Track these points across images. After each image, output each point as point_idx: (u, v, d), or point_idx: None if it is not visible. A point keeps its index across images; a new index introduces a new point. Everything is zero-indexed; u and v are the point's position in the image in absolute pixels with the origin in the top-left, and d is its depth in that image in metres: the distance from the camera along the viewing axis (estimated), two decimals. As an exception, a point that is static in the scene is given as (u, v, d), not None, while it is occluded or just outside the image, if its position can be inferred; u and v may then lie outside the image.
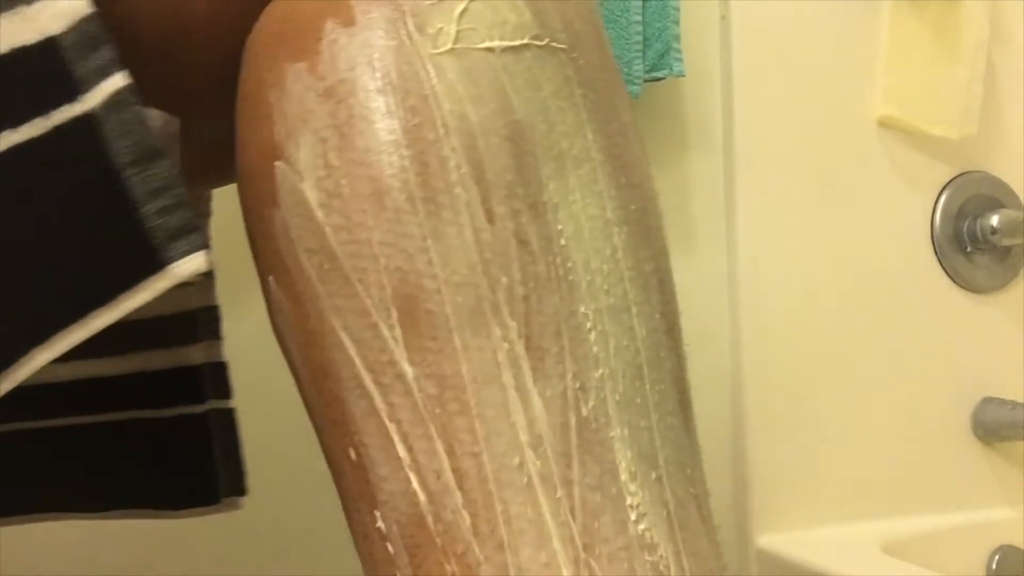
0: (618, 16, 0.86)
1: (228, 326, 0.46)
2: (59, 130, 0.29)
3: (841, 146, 0.98)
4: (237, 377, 0.46)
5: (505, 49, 0.29)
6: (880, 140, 1.00)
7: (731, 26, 0.95)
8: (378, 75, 0.28)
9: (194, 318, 0.44)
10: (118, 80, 0.29)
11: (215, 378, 0.45)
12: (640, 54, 0.87)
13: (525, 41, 0.29)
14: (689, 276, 0.95)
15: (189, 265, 0.29)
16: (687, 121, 0.97)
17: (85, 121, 0.29)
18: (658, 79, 0.89)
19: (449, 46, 0.28)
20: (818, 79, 0.97)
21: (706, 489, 0.30)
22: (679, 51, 0.89)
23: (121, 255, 0.29)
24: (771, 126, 0.96)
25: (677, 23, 0.89)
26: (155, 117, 0.32)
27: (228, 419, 0.45)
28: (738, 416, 0.95)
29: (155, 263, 0.29)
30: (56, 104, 0.29)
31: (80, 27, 0.29)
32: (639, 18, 0.87)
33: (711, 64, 0.97)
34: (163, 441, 0.44)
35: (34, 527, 0.46)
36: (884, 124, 0.99)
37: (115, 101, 0.29)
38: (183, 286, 0.42)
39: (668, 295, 0.31)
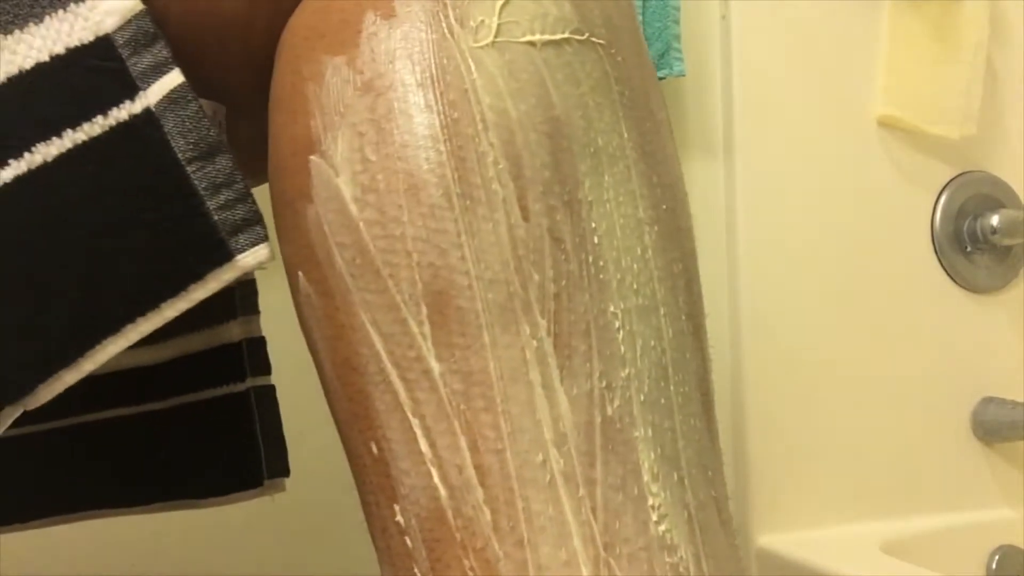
0: (618, 16, 0.86)
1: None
2: (119, 127, 0.29)
3: (841, 146, 0.98)
4: None
5: (546, 43, 0.28)
6: (880, 140, 1.00)
7: (731, 26, 0.95)
8: (418, 69, 0.28)
9: (232, 293, 0.44)
10: (175, 76, 0.29)
11: (254, 354, 0.45)
12: (640, 54, 0.87)
13: (566, 35, 0.29)
14: (689, 276, 0.95)
15: (254, 256, 0.30)
16: (687, 121, 0.97)
17: (145, 118, 0.29)
18: (658, 79, 0.89)
19: (490, 39, 0.28)
20: (818, 79, 0.97)
21: (726, 492, 0.30)
22: (679, 51, 0.89)
23: (189, 248, 0.30)
24: (771, 126, 0.96)
25: (677, 23, 0.89)
26: (206, 106, 0.33)
27: (269, 396, 0.45)
28: (738, 416, 0.95)
29: (222, 255, 0.30)
30: (115, 102, 0.29)
31: (133, 24, 0.29)
32: (639, 18, 0.87)
33: (711, 64, 0.97)
34: (205, 425, 0.44)
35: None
36: (884, 124, 0.99)
37: (174, 98, 0.29)
38: None
39: (695, 296, 0.31)
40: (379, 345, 0.27)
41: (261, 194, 0.31)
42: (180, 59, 0.30)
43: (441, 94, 0.27)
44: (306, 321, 0.30)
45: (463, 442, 0.26)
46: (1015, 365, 1.03)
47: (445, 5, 0.28)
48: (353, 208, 0.28)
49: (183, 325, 0.41)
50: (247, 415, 0.44)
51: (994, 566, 0.98)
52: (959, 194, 1.02)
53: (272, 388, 0.45)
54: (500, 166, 0.27)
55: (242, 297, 0.44)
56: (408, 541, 0.27)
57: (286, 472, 0.45)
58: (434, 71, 0.28)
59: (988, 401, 1.02)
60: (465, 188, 0.27)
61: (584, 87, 0.29)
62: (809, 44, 0.97)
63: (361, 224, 0.27)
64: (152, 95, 0.29)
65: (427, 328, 0.27)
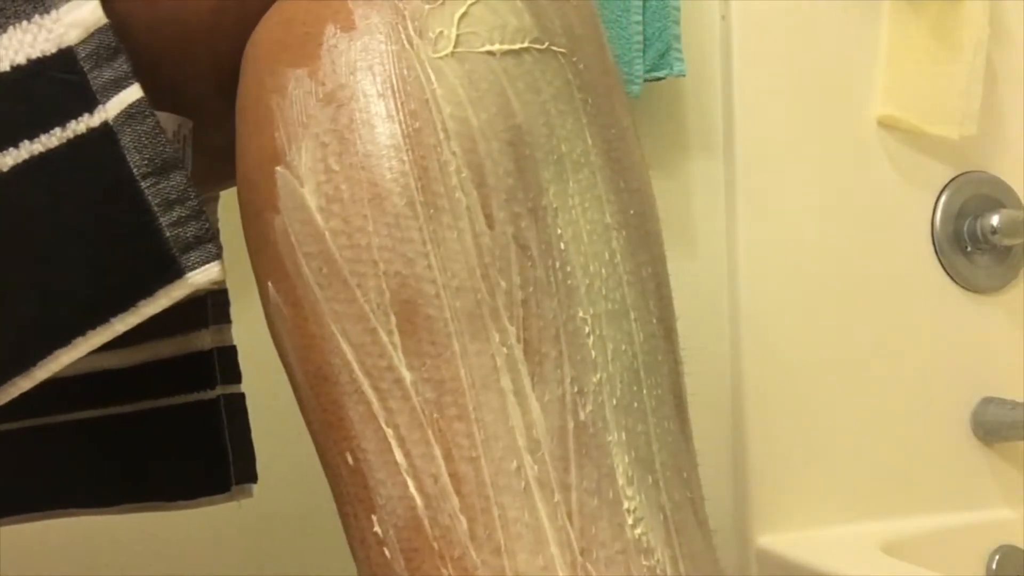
0: (618, 16, 0.86)
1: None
2: (77, 140, 0.29)
3: (841, 146, 0.98)
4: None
5: (505, 53, 0.28)
6: (880, 140, 1.00)
7: (731, 26, 0.95)
8: (378, 80, 0.28)
9: (205, 302, 0.44)
10: (134, 91, 0.30)
11: (225, 363, 0.45)
12: (640, 54, 0.87)
13: (525, 45, 0.29)
14: (689, 276, 0.95)
15: (206, 274, 0.30)
16: (687, 121, 0.97)
17: (103, 132, 0.29)
18: (658, 79, 0.89)
19: (449, 50, 0.28)
20: (818, 79, 0.97)
21: (702, 493, 0.30)
22: (679, 51, 0.89)
23: (140, 264, 0.30)
24: (771, 126, 0.96)
25: (677, 23, 0.89)
26: (169, 120, 0.33)
27: (238, 404, 0.45)
28: (738, 416, 0.95)
29: (173, 272, 0.30)
30: (74, 115, 0.29)
31: (96, 37, 0.29)
32: (639, 18, 0.87)
33: (711, 64, 0.97)
34: (174, 430, 0.44)
35: (35, 526, 0.46)
36: (884, 124, 0.99)
37: (131, 112, 0.29)
38: None
39: (665, 300, 0.31)
40: (350, 355, 0.27)
41: (232, 202, 0.31)
42: (146, 68, 0.30)
43: (402, 104, 0.28)
44: (277, 332, 0.30)
45: (437, 451, 0.26)
46: (1015, 365, 1.03)
47: (404, 17, 0.28)
48: (319, 218, 0.28)
49: (154, 331, 0.42)
50: (216, 422, 0.44)
51: (994, 566, 0.98)
52: (959, 194, 1.02)
53: (242, 396, 0.45)
54: (463, 174, 0.27)
55: (214, 306, 0.44)
56: (386, 551, 0.27)
57: (254, 478, 0.46)
58: (394, 81, 0.28)
59: (988, 401, 1.02)
60: (429, 197, 0.27)
61: (545, 95, 0.29)
62: (809, 44, 0.97)
63: (327, 234, 0.28)
64: (111, 109, 0.29)
65: (397, 337, 0.27)
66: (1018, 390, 1.01)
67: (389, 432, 0.27)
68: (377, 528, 0.27)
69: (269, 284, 0.30)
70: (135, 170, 0.29)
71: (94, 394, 0.44)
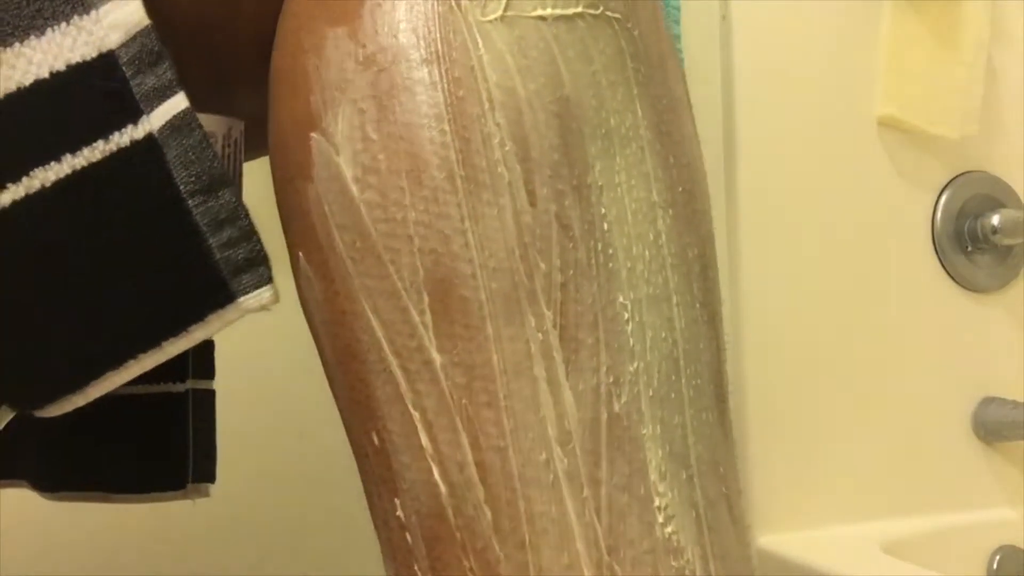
0: (618, 16, 0.86)
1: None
2: (120, 154, 0.28)
3: (841, 146, 0.98)
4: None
5: (557, 18, 0.27)
6: (880, 140, 0.99)
7: (731, 26, 0.95)
8: (422, 43, 0.27)
9: None
10: (179, 101, 0.28)
11: (200, 357, 0.43)
12: (640, 54, 0.87)
13: (579, 10, 0.27)
14: (689, 276, 0.95)
15: (258, 299, 0.29)
16: (687, 121, 0.96)
17: (147, 146, 0.28)
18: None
19: (499, 13, 0.27)
20: (818, 79, 0.97)
21: (739, 487, 0.29)
22: (679, 51, 0.89)
23: (190, 288, 0.29)
24: (771, 126, 0.96)
25: (677, 23, 0.89)
26: (217, 123, 0.32)
27: (207, 400, 0.44)
28: (738, 416, 0.95)
29: (224, 297, 0.29)
30: (117, 126, 0.28)
31: (138, 40, 0.28)
32: (639, 18, 0.87)
33: (711, 64, 0.96)
34: (133, 419, 0.42)
35: (36, 526, 0.45)
36: (884, 124, 0.99)
37: (177, 124, 0.28)
38: None
39: (711, 283, 0.30)
40: (380, 333, 0.26)
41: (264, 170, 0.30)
42: (185, 36, 0.29)
43: (446, 71, 0.26)
44: (307, 304, 0.29)
45: (464, 438, 0.26)
46: (1015, 365, 1.03)
47: None
48: (354, 189, 0.27)
49: None
50: (182, 416, 0.43)
51: (994, 566, 0.97)
52: (959, 194, 1.02)
53: (212, 393, 0.44)
54: (506, 148, 0.26)
55: None
56: (408, 537, 0.26)
57: (211, 478, 0.44)
58: (439, 46, 0.26)
59: (988, 401, 1.01)
60: (469, 171, 0.26)
61: (597, 64, 0.27)
62: (809, 44, 0.97)
63: (362, 206, 0.27)
64: (155, 120, 0.28)
65: (428, 317, 0.26)
66: (1018, 390, 1.01)
67: (416, 415, 0.26)
68: (400, 512, 0.26)
69: (300, 255, 0.29)
70: (182, 187, 0.28)
71: None
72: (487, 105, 0.26)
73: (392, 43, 0.27)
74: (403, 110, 0.26)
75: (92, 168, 0.28)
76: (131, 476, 0.43)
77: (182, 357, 0.42)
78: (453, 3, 0.27)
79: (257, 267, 0.29)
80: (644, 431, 0.26)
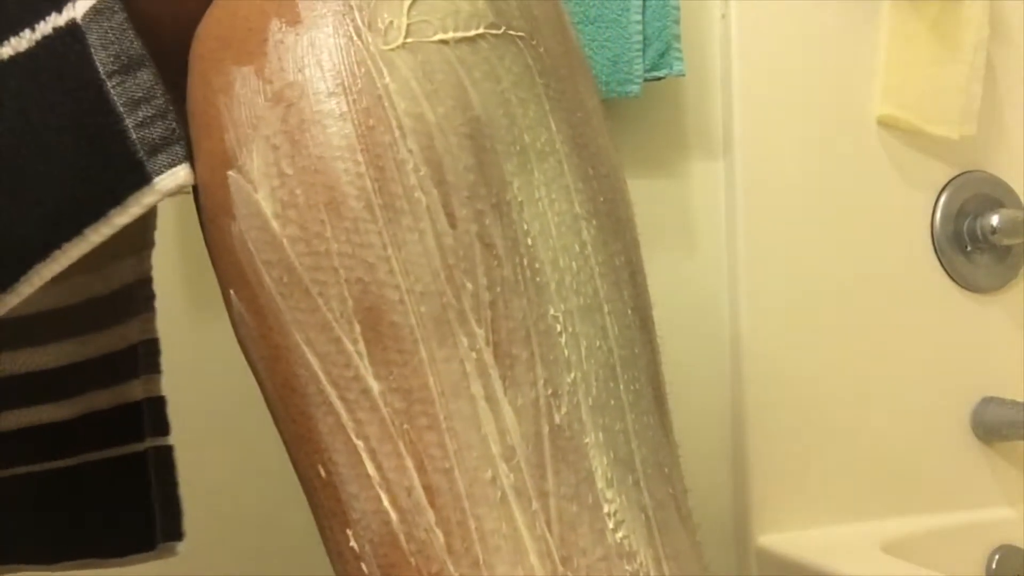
0: (618, 16, 0.86)
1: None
2: (45, 42, 0.28)
3: (841, 146, 0.98)
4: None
5: (460, 40, 0.27)
6: (880, 140, 0.99)
7: (731, 26, 0.95)
8: (328, 76, 0.27)
9: (136, 351, 0.42)
10: None
11: (154, 414, 0.43)
12: (640, 53, 0.87)
13: (481, 31, 0.27)
14: (689, 276, 0.95)
15: (173, 179, 0.28)
16: (687, 121, 0.97)
17: (69, 30, 0.28)
18: (658, 79, 0.89)
19: (400, 41, 0.27)
20: (818, 79, 0.97)
21: (684, 487, 0.29)
22: (679, 51, 0.89)
23: (107, 169, 0.28)
24: (771, 126, 0.96)
25: (677, 23, 0.89)
26: None
27: (166, 456, 0.44)
28: (738, 416, 0.95)
29: (140, 176, 0.28)
30: (43, 15, 0.28)
31: None
32: (639, 17, 0.87)
33: (711, 64, 0.96)
34: (107, 485, 0.43)
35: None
36: (884, 124, 0.99)
37: (100, 8, 0.28)
38: (128, 314, 0.40)
39: (640, 288, 0.30)
40: (316, 365, 0.26)
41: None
42: (168, 37, 0.29)
43: (354, 101, 0.26)
44: (242, 341, 0.29)
45: (410, 463, 0.26)
46: (1015, 365, 1.03)
47: (351, 7, 0.27)
48: (275, 225, 0.27)
49: (90, 381, 0.41)
50: (144, 476, 0.43)
51: (994, 566, 0.98)
52: (959, 194, 1.02)
53: (170, 448, 0.44)
54: (421, 173, 0.26)
55: (144, 355, 0.43)
56: (364, 567, 0.26)
57: (178, 536, 0.44)
58: (345, 77, 0.27)
59: (988, 401, 1.02)
60: (387, 198, 0.26)
61: (505, 83, 0.28)
62: (809, 44, 0.97)
63: (285, 241, 0.27)
64: (79, 7, 0.28)
65: (362, 346, 0.26)
66: (1018, 390, 1.01)
67: (359, 444, 0.26)
68: (353, 543, 0.26)
69: (231, 292, 0.28)
70: (101, 69, 0.28)
71: (32, 450, 0.42)
72: (398, 132, 0.26)
73: (299, 78, 0.27)
74: (315, 143, 0.26)
75: (18, 56, 0.28)
76: (112, 542, 0.43)
77: (138, 416, 0.42)
78: (354, 34, 0.27)
79: (172, 145, 0.28)
80: (587, 440, 0.26)
